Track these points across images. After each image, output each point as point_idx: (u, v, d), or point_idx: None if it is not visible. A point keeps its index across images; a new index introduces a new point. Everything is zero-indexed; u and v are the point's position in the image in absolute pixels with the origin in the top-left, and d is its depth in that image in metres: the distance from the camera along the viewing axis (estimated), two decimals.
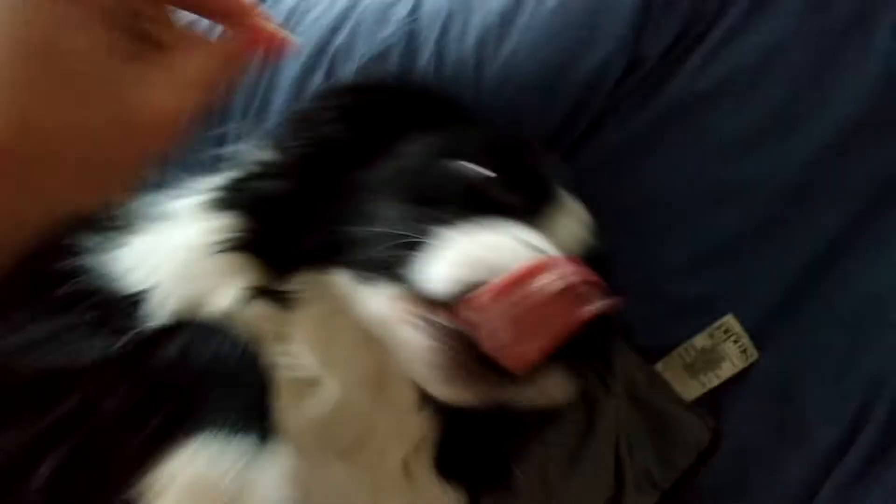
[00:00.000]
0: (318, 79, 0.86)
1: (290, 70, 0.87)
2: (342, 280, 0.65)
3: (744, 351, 0.84)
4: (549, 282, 0.55)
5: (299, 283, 0.66)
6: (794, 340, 0.84)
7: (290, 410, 0.58)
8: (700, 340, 0.87)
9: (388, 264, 0.62)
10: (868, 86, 0.81)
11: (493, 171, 0.68)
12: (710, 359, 0.86)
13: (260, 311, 0.65)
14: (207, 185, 0.73)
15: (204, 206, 0.70)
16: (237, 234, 0.68)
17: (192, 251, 0.67)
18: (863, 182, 0.80)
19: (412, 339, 0.60)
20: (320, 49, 0.86)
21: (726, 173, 0.84)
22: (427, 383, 0.62)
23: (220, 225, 0.68)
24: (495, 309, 0.56)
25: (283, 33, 0.57)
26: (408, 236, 0.62)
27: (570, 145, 0.86)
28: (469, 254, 0.60)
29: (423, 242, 0.62)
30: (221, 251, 0.67)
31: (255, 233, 0.68)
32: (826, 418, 0.82)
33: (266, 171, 0.73)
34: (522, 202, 0.68)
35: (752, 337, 0.84)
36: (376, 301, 0.63)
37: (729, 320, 0.85)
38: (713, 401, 0.87)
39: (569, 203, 0.71)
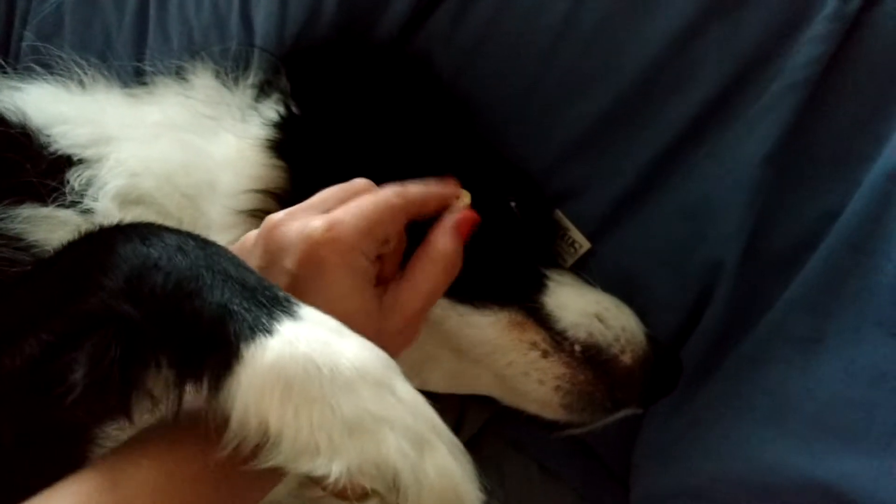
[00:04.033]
0: None
1: None
2: None
3: (572, 244, 0.81)
4: None
5: None
6: (636, 231, 0.81)
7: None
8: None
9: (505, 292, 0.69)
10: None
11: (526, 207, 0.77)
12: None
13: None
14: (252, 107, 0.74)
15: (259, 136, 0.71)
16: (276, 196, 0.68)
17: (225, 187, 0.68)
18: (711, 70, 0.77)
19: (545, 366, 0.68)
20: None
21: (568, 70, 0.80)
22: (545, 403, 0.70)
23: (270, 173, 0.69)
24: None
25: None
26: (521, 272, 0.71)
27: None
28: (605, 305, 0.72)
29: (536, 278, 0.72)
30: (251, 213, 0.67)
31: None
32: (667, 305, 0.79)
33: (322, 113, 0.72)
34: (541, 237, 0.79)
35: (598, 229, 0.81)
36: (489, 323, 0.69)
37: (555, 216, 0.82)
38: None
39: None
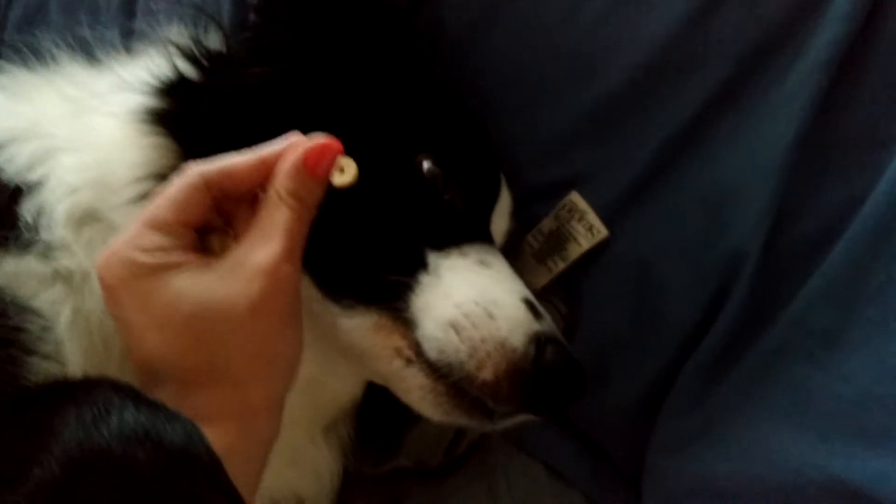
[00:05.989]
0: None
1: None
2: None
3: (590, 229, 0.77)
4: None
5: None
6: (651, 220, 0.77)
7: None
8: (547, 223, 0.81)
9: (371, 291, 0.63)
10: None
11: (452, 163, 0.69)
12: (556, 241, 0.79)
13: None
14: (135, 75, 0.67)
15: (135, 110, 0.65)
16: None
17: (117, 172, 0.62)
18: (727, 50, 0.73)
19: (408, 375, 0.64)
20: None
21: (580, 46, 0.77)
22: (420, 409, 0.65)
23: (153, 154, 0.63)
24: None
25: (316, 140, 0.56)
26: (394, 265, 0.64)
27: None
28: (465, 310, 0.62)
29: (409, 273, 0.64)
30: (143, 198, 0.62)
31: None
32: (684, 299, 0.76)
33: (218, 75, 0.66)
34: (474, 200, 0.72)
35: (609, 218, 0.78)
36: (354, 326, 0.64)
37: (572, 197, 0.79)
38: (571, 286, 0.81)
39: (504, 195, 0.76)
